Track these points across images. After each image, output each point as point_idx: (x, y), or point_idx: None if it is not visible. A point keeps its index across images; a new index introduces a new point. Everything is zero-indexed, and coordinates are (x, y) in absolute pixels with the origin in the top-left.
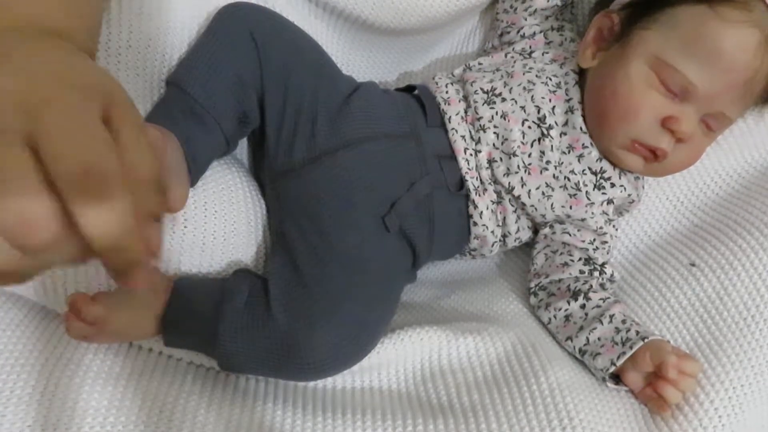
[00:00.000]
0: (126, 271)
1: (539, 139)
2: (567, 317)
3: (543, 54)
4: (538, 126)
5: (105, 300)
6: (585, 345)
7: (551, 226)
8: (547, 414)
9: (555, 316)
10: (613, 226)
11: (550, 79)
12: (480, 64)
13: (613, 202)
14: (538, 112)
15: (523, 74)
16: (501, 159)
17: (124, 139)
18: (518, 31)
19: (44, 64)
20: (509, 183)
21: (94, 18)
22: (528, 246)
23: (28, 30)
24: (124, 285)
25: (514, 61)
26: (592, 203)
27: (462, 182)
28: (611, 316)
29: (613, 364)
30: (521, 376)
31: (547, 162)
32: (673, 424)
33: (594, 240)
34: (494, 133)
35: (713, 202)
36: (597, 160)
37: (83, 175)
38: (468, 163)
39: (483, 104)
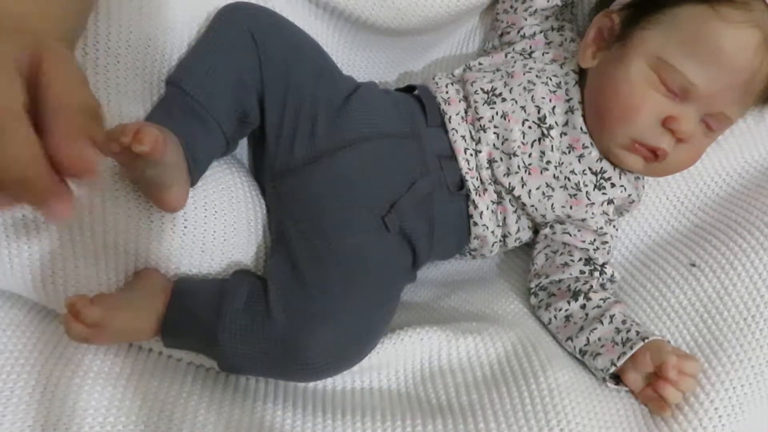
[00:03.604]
0: (41, 201)
1: (539, 139)
2: (567, 317)
3: (543, 54)
4: (539, 126)
5: (104, 302)
6: (585, 345)
7: (551, 227)
8: (546, 414)
9: (555, 317)
10: (614, 226)
11: (551, 79)
12: (480, 64)
13: (614, 202)
14: (539, 112)
15: (524, 74)
16: (501, 159)
17: (50, 73)
18: (518, 32)
19: None
20: (509, 183)
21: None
22: (528, 246)
23: None
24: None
25: (515, 61)
26: (593, 203)
27: (462, 182)
28: (611, 317)
29: (613, 364)
30: (521, 376)
31: (548, 162)
32: (673, 424)
33: (594, 240)
34: (494, 133)
35: (713, 202)
36: (597, 160)
37: None
38: (468, 163)
39: (483, 104)
